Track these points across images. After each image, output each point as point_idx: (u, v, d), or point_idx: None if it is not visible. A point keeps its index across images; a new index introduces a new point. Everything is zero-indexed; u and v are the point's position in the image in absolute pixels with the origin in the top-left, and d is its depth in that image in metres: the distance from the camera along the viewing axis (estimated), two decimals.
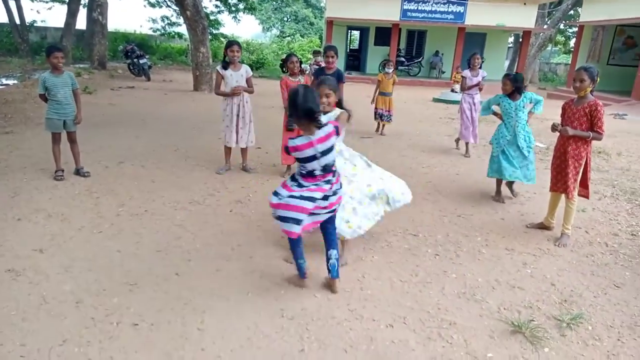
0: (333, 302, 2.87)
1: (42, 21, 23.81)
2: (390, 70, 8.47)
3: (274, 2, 36.45)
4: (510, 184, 5.07)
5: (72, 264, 3.18)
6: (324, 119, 2.91)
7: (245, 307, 2.78)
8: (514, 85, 4.68)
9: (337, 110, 3.21)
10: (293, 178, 2.83)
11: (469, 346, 2.52)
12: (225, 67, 5.20)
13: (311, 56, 27.26)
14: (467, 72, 6.95)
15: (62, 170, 5.01)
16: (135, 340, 2.43)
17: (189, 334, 2.51)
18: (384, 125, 8.62)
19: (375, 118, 8.56)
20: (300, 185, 2.75)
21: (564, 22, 25.18)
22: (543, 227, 4.20)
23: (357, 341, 2.52)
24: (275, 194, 2.79)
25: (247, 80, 5.31)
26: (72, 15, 20.39)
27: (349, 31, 23.43)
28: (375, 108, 8.50)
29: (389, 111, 8.47)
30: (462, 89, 7.07)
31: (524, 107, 4.71)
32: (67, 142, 5.05)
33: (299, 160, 2.73)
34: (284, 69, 5.35)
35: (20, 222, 3.80)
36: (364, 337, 2.55)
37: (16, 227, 3.71)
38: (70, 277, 3.01)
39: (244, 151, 5.59)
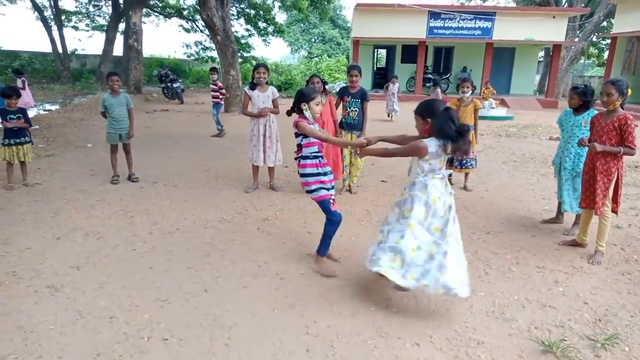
0: (359, 319, 2.88)
1: (82, 49, 25.13)
2: (468, 94, 5.75)
3: (302, 25, 37.21)
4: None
5: (107, 280, 3.31)
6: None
7: (271, 323, 2.82)
8: (582, 100, 4.18)
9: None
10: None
11: None
12: (252, 88, 5.38)
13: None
14: None
15: (118, 176, 5.88)
16: (165, 355, 2.51)
17: (216, 349, 2.56)
18: (467, 175, 5.93)
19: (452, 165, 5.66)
20: None
21: (596, 34, 24.60)
22: (576, 244, 4.08)
23: None
24: None
25: (274, 101, 5.46)
26: (109, 42, 21.55)
27: (376, 50, 23.62)
28: None
29: (471, 152, 5.71)
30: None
31: (581, 124, 4.18)
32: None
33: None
34: None
35: (60, 241, 4.00)
36: (389, 356, 2.54)
37: (56, 246, 3.90)
38: (105, 293, 3.14)
39: (271, 170, 5.70)
